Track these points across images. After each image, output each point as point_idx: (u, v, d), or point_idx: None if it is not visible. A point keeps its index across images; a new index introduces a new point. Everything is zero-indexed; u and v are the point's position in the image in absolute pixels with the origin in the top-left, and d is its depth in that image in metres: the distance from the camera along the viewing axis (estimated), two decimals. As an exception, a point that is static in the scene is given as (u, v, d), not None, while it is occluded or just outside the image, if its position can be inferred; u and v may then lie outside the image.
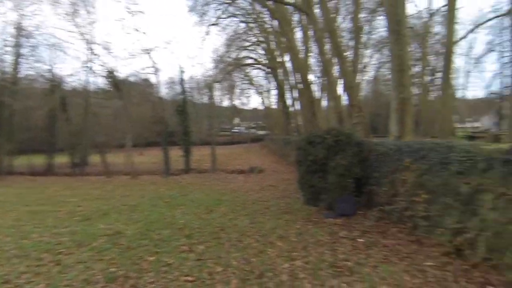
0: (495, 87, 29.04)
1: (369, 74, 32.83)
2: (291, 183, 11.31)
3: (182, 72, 21.28)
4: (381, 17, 20.60)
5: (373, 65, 30.62)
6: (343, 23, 22.77)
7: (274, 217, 7.30)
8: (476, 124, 38.77)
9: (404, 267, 4.32)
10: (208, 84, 25.80)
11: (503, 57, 24.55)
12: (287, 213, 7.68)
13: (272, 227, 6.51)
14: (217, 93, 34.71)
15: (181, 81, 20.10)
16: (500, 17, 21.45)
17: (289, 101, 29.50)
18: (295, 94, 25.50)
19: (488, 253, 4.25)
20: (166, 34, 54.49)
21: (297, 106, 26.60)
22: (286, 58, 25.97)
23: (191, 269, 4.55)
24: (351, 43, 21.68)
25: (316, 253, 4.98)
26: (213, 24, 22.99)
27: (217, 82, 28.19)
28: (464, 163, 4.70)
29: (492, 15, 23.44)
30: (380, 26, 22.70)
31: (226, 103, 46.24)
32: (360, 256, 4.77)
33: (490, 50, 27.49)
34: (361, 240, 5.50)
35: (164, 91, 36.89)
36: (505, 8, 17.78)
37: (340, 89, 17.02)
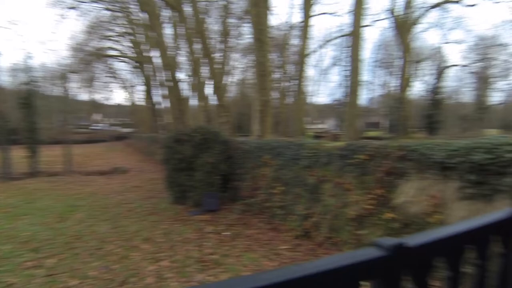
0: (337, 95, 34.85)
1: (236, 76, 34.67)
2: (158, 182, 10.96)
3: (29, 57, 18.01)
4: (248, 25, 22.01)
5: (240, 68, 32.41)
6: (214, 25, 23.38)
7: (139, 220, 6.96)
8: (322, 126, 45.43)
9: (264, 253, 4.76)
10: (63, 74, 22.60)
11: (343, 70, 29.61)
12: (153, 214, 7.42)
13: (137, 230, 6.20)
14: (73, 85, 30.67)
15: (27, 68, 17.02)
16: (343, 37, 25.76)
17: (157, 98, 28.51)
18: (164, 91, 24.81)
19: (329, 232, 5.08)
20: (10, 12, 45.06)
21: (166, 103, 25.94)
22: (155, 53, 25.01)
23: (39, 287, 3.94)
24: (221, 45, 22.44)
25: (183, 251, 4.99)
26: (71, 8, 20.30)
27: (74, 72, 24.98)
28: (310, 158, 5.49)
29: (337, 34, 28.04)
30: (247, 33, 24.21)
31: (84, 96, 41.34)
32: (225, 249, 5.02)
33: (334, 64, 32.83)
34: (227, 233, 5.79)
35: (4, 79, 30.52)
36: (347, 30, 21.46)
37: (209, 89, 17.40)
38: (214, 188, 7.37)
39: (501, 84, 24.76)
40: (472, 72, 27.42)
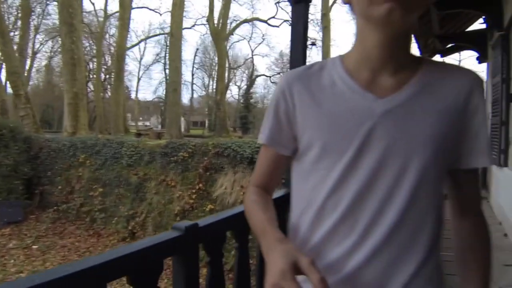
0: (161, 92, 34.66)
1: (41, 62, 29.49)
2: None
3: None
4: (55, 3, 19.06)
5: (45, 52, 27.76)
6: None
7: None
8: (147, 123, 44.20)
9: (83, 261, 4.44)
10: None
11: (165, 68, 29.63)
12: None
13: None
14: None
15: None
16: (164, 35, 25.81)
17: None
18: None
19: (156, 230, 5.22)
20: None
21: None
22: None
23: None
24: (19, 23, 18.63)
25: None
26: None
27: None
28: (132, 157, 5.47)
29: (158, 32, 27.99)
30: (54, 12, 20.97)
31: None
32: (35, 264, 4.38)
33: (157, 61, 32.58)
34: (36, 246, 5.05)
35: None
36: (167, 29, 21.52)
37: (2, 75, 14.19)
38: (15, 195, 6.21)
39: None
40: (274, 82, 32.98)
